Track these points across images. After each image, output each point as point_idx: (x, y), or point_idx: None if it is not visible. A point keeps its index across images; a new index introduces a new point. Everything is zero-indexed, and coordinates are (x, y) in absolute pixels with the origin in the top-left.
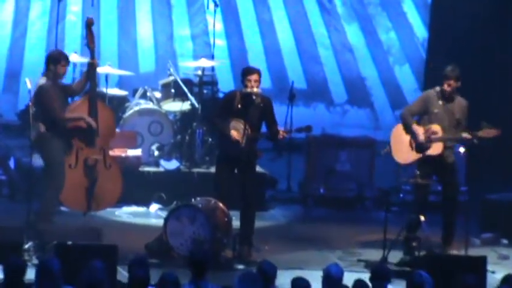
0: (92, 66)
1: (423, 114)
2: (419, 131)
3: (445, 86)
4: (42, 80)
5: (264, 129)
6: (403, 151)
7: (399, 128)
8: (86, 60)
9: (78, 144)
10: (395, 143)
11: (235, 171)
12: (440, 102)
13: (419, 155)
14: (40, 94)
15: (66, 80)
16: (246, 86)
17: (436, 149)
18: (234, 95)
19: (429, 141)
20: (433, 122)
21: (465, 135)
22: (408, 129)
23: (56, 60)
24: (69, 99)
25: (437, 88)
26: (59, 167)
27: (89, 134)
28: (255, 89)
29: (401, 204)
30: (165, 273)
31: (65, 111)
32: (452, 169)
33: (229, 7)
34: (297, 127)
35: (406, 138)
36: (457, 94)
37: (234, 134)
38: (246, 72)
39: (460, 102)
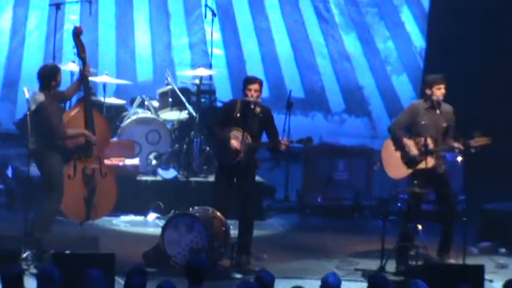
0: (84, 76)
1: (410, 126)
2: (411, 144)
3: (436, 92)
4: (41, 97)
5: (264, 139)
6: (395, 166)
7: (389, 143)
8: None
9: (76, 156)
10: (387, 158)
11: (235, 180)
12: (423, 114)
13: (410, 170)
14: (40, 112)
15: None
16: (246, 95)
17: (428, 162)
18: (234, 103)
19: (424, 154)
20: (421, 133)
21: (457, 145)
22: (398, 144)
23: (53, 74)
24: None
25: (421, 100)
26: (59, 178)
27: (88, 146)
28: (256, 99)
29: (399, 213)
30: (163, 282)
31: (63, 124)
32: (445, 179)
33: (227, 16)
34: (298, 139)
35: (397, 152)
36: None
37: (233, 143)
38: (247, 82)
39: (445, 109)
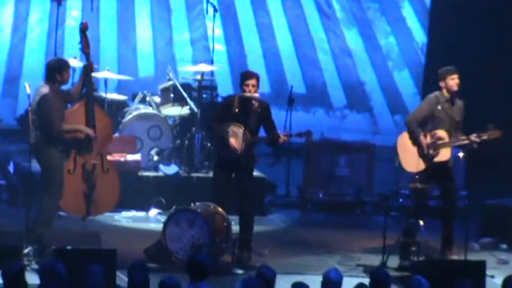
0: (88, 71)
1: (427, 119)
2: (424, 141)
3: (451, 82)
4: (45, 89)
5: (262, 134)
6: (413, 159)
7: (404, 137)
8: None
9: (76, 151)
10: (403, 152)
11: (233, 175)
12: (440, 107)
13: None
14: (42, 104)
15: (65, 85)
16: (244, 91)
17: (444, 155)
18: (232, 99)
19: (438, 147)
20: (436, 127)
21: (473, 138)
22: (416, 140)
23: (60, 68)
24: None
25: (437, 93)
26: (59, 174)
27: (87, 142)
28: (254, 94)
29: (401, 208)
30: (166, 278)
31: (62, 122)
32: (452, 173)
33: (228, 12)
34: (297, 132)
35: (413, 147)
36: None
37: (232, 141)
38: (244, 77)
39: (458, 103)
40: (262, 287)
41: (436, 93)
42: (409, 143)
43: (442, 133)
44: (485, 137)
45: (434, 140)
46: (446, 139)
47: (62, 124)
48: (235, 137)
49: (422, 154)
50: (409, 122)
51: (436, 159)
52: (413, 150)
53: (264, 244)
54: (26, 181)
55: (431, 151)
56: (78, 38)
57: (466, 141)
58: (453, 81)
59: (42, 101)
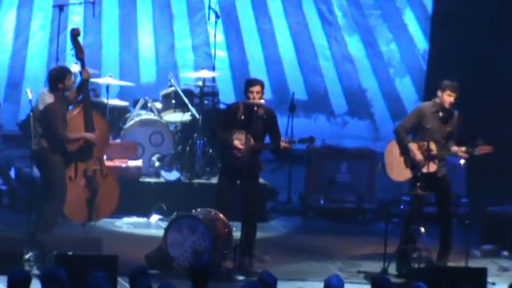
0: (83, 77)
1: (416, 129)
2: (415, 149)
3: (446, 98)
4: (50, 98)
5: (267, 140)
6: (397, 168)
7: (393, 145)
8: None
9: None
10: (390, 159)
11: (238, 182)
12: (432, 116)
13: (414, 174)
14: (46, 113)
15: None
16: (248, 98)
17: (430, 167)
18: (237, 106)
19: (427, 159)
20: (425, 136)
21: (462, 153)
22: (404, 148)
23: (62, 77)
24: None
25: (437, 100)
26: (61, 181)
27: (88, 149)
28: (259, 101)
29: (402, 215)
30: (163, 284)
31: (66, 128)
32: (445, 182)
33: (230, 18)
34: (299, 138)
35: (401, 155)
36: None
37: (236, 143)
38: (248, 84)
39: (453, 114)
40: None
41: (428, 102)
42: (396, 151)
43: (431, 145)
44: (475, 153)
45: (422, 151)
46: (435, 151)
47: (66, 133)
48: (240, 141)
49: (410, 163)
50: (397, 131)
51: (424, 171)
52: (400, 159)
53: (266, 250)
54: (28, 186)
55: (422, 158)
56: (81, 43)
57: (455, 155)
58: (448, 98)
59: (47, 110)
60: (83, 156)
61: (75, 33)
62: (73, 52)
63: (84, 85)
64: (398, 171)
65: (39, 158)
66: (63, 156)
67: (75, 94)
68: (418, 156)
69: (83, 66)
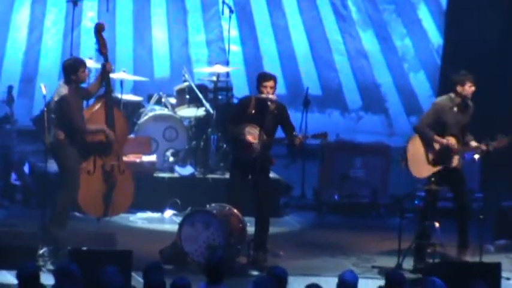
0: (106, 71)
1: (435, 126)
2: (445, 140)
3: (469, 90)
4: (64, 90)
5: (279, 135)
6: (419, 165)
7: (416, 141)
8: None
9: (96, 153)
10: (412, 156)
11: (249, 177)
12: (451, 112)
13: (436, 168)
14: (61, 105)
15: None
16: (261, 92)
17: (455, 161)
18: (248, 100)
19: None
20: (445, 132)
21: (483, 147)
22: (431, 141)
23: (75, 69)
24: (85, 102)
25: (452, 95)
26: (75, 175)
27: (108, 144)
28: (271, 95)
29: (416, 210)
30: (177, 279)
31: (84, 121)
32: (462, 177)
33: (244, 13)
34: (313, 133)
35: (422, 151)
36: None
37: (249, 138)
38: (261, 78)
39: (469, 107)
40: (274, 287)
41: (444, 97)
42: (419, 147)
43: (451, 140)
44: (494, 146)
45: (444, 147)
46: (456, 146)
47: (84, 124)
48: (252, 135)
49: (433, 157)
50: (418, 128)
51: (447, 165)
52: (423, 155)
53: (280, 245)
54: (41, 182)
55: (456, 148)
56: (94, 39)
57: (476, 149)
58: (471, 89)
59: (62, 102)
60: (103, 151)
61: (99, 28)
62: (96, 46)
63: (107, 78)
64: (421, 168)
65: (55, 149)
66: (82, 149)
67: (97, 87)
68: (452, 143)
69: (106, 59)
